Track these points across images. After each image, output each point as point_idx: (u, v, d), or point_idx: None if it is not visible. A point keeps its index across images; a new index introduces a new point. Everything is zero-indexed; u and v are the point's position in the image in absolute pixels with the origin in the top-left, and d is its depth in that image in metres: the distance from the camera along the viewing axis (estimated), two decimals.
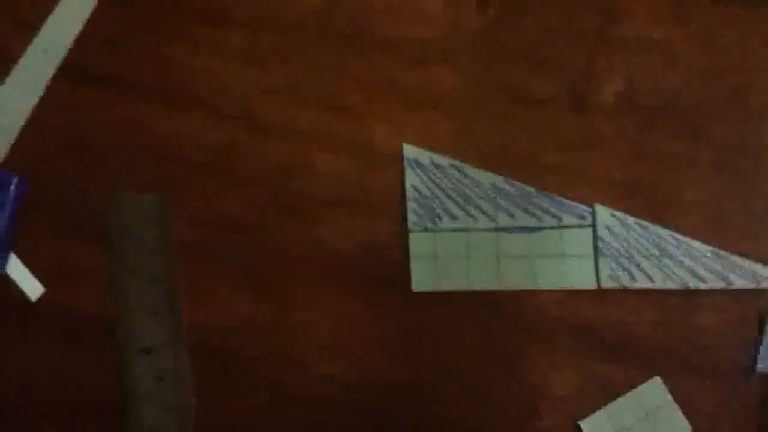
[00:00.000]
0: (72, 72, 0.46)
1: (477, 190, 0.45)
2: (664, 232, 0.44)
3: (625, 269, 0.44)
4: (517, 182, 0.45)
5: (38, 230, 0.45)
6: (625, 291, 0.44)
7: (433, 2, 0.46)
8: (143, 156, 0.45)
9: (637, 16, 0.46)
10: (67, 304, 0.44)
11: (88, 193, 0.45)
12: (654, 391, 0.44)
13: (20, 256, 0.44)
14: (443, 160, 0.45)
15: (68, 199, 0.45)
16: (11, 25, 0.47)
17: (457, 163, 0.45)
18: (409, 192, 0.45)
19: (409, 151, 0.45)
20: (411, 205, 0.45)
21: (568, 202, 0.45)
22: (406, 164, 0.45)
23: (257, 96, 0.46)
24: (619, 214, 0.45)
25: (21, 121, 0.46)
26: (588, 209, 0.45)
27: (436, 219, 0.45)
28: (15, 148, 0.45)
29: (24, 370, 0.44)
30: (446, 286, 0.45)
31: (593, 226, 0.45)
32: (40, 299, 0.44)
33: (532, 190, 0.45)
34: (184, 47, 0.46)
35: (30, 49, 0.47)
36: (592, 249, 0.45)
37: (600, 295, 0.44)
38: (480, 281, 0.45)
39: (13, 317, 0.44)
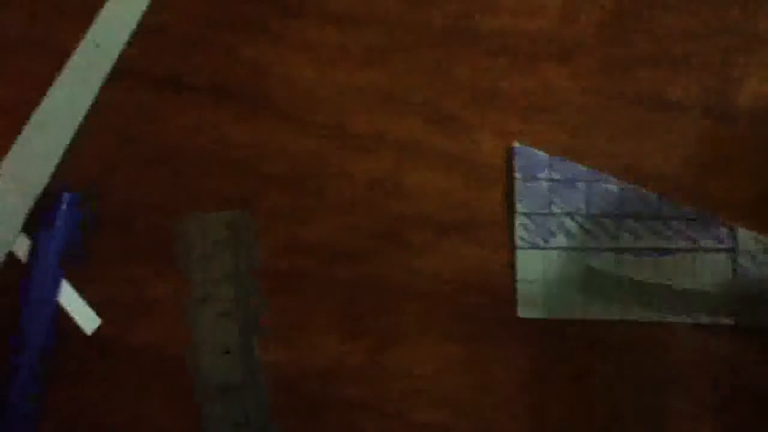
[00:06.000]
0: (133, 73, 0.40)
1: (599, 203, 0.39)
2: None
3: (765, 304, 0.38)
4: (647, 194, 0.39)
5: (97, 254, 0.39)
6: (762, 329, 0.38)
7: None
8: (216, 170, 0.40)
9: None
10: (134, 338, 0.39)
11: (153, 211, 0.40)
12: None
13: (77, 283, 0.39)
14: (560, 165, 0.39)
15: (131, 218, 0.40)
16: (58, 15, 0.41)
17: (577, 170, 0.39)
18: (518, 202, 0.39)
19: (522, 152, 0.39)
20: (520, 218, 0.39)
21: (704, 221, 0.39)
22: (516, 170, 0.39)
23: (346, 101, 0.40)
24: (764, 239, 0.39)
25: (75, 126, 0.40)
26: (727, 231, 0.39)
27: (549, 235, 0.39)
28: (71, 159, 0.40)
29: (85, 413, 0.39)
30: (557, 313, 0.39)
31: (733, 251, 0.39)
32: (102, 332, 0.39)
33: (663, 205, 0.39)
34: (262, 44, 0.40)
35: (84, 43, 0.41)
36: (729, 278, 0.39)
37: (734, 331, 0.38)
38: (597, 310, 0.39)
39: (71, 352, 0.39)
